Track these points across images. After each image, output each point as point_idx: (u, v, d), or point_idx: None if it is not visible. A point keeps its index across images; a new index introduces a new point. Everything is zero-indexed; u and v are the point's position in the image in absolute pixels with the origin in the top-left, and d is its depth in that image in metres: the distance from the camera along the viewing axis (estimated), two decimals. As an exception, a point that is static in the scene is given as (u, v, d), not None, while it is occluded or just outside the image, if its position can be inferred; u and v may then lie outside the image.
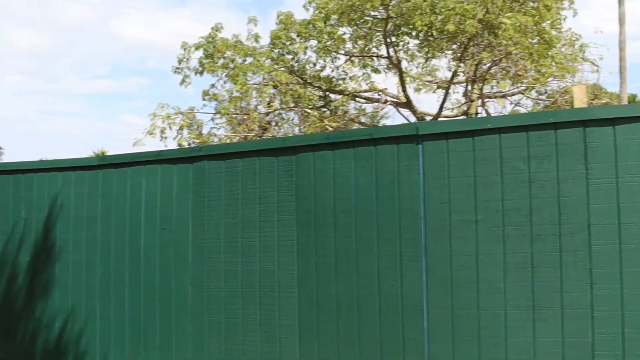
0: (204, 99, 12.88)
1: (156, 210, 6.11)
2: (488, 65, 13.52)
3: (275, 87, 14.15)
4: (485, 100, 15.06)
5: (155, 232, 6.09)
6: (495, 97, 14.96)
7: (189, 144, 12.36)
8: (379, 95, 15.26)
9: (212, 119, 13.02)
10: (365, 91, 15.56)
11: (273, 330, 5.40)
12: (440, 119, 13.93)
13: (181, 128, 12.32)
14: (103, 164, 6.51)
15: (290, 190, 5.39)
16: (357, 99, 16.02)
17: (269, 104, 17.49)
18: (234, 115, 16.00)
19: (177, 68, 12.77)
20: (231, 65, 13.20)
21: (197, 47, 12.72)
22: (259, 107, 18.49)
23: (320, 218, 5.23)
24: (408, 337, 4.88)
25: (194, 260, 5.84)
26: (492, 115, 13.67)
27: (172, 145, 12.34)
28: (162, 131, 12.17)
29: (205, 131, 13.90)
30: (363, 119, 17.51)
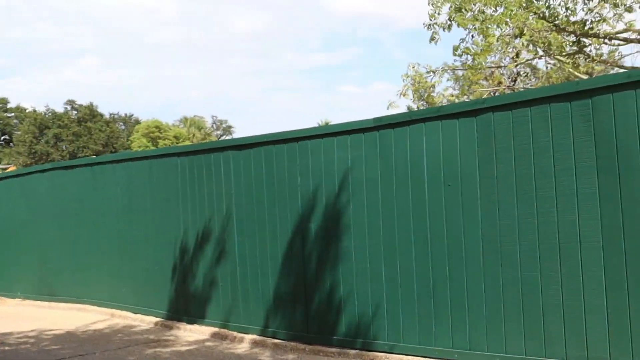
0: (454, 55, 14.06)
1: (439, 167, 7.36)
2: None
3: (520, 35, 14.89)
4: None
5: (439, 190, 7.35)
6: None
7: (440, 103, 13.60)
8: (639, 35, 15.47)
9: (464, 76, 14.13)
10: (621, 32, 15.79)
11: (576, 283, 6.37)
12: None
13: (432, 86, 13.60)
14: (380, 125, 7.91)
15: (588, 135, 6.29)
16: (614, 41, 16.27)
17: (517, 55, 18.30)
18: (480, 71, 17.05)
19: (429, 24, 14.07)
20: (480, 18, 14.19)
21: (445, 1, 13.88)
22: (505, 59, 19.40)
23: (625, 163, 6.07)
24: None
25: (484, 216, 7.00)
26: None
27: (423, 105, 13.65)
28: (415, 91, 13.55)
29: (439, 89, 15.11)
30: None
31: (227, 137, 77.29)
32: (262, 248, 9.24)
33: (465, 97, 17.45)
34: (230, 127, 79.40)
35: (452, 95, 17.55)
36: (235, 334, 9.56)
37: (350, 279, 8.17)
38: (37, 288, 14.32)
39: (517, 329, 6.76)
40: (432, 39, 14.16)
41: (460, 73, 18.39)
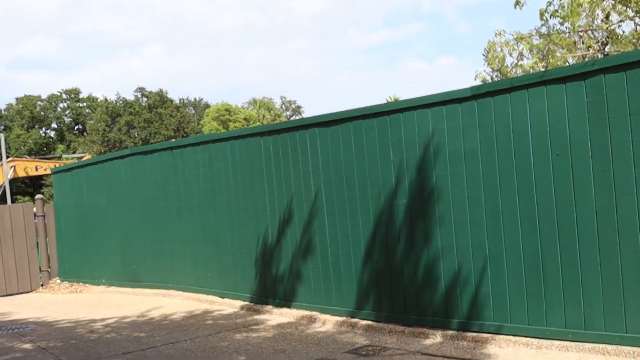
0: (541, 19, 13.53)
1: (546, 136, 7.02)
2: None
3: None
4: None
5: (547, 160, 7.02)
6: None
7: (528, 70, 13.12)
8: None
9: (552, 40, 13.61)
10: None
11: None
12: None
13: (520, 54, 13.15)
14: (478, 93, 7.61)
15: None
16: None
17: (606, 17, 17.55)
18: (566, 36, 16.39)
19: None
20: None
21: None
22: (593, 22, 18.65)
23: None
24: None
25: (597, 187, 6.65)
26: None
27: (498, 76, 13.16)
28: (501, 59, 13.12)
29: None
30: None
31: (297, 117, 77.50)
32: (354, 228, 9.06)
33: (542, 66, 16.83)
34: (299, 107, 79.59)
35: (529, 65, 16.96)
36: (327, 316, 9.42)
37: (451, 257, 7.92)
38: (121, 274, 14.52)
39: (638, 306, 6.40)
40: (517, 3, 13.66)
41: (535, 42, 17.74)
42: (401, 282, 8.49)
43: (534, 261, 7.17)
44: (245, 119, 60.71)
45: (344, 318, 9.19)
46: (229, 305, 11.18)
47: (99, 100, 71.63)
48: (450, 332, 7.89)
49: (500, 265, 7.46)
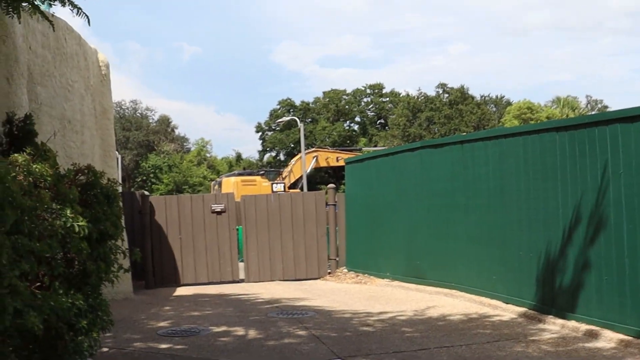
0: None
1: None
2: None
3: None
4: None
5: None
6: None
7: None
8: None
9: None
10: None
11: None
12: None
13: None
14: None
15: None
16: None
17: None
18: None
19: None
20: None
21: None
22: None
23: None
24: None
25: None
26: None
27: None
28: None
29: None
30: None
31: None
32: (657, 238, 8.05)
33: None
34: (606, 107, 74.78)
35: None
36: (620, 336, 8.47)
37: None
38: (405, 269, 14.51)
39: None
40: None
41: None
42: None
43: None
44: (547, 117, 58.31)
45: (630, 338, 8.20)
46: (511, 312, 10.58)
47: (401, 95, 73.21)
48: None
49: None
